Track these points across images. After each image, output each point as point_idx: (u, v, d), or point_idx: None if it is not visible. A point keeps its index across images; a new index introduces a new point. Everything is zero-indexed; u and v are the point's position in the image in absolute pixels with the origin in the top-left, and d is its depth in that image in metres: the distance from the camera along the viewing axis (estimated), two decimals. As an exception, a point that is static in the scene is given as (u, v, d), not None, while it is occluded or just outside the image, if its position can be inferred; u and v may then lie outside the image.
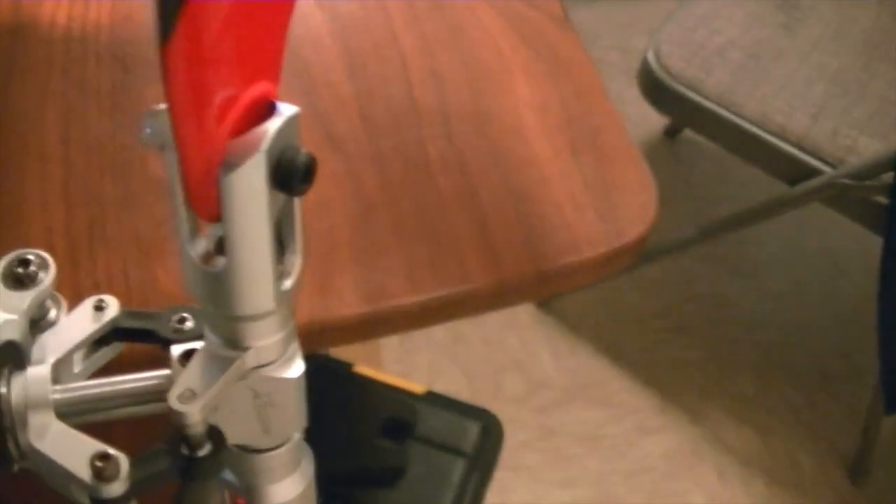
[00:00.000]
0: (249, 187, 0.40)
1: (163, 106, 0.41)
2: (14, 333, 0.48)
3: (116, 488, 0.46)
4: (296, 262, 0.46)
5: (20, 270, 0.50)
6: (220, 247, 0.44)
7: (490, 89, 0.98)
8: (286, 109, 0.40)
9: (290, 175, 0.40)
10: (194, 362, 0.48)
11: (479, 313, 0.89)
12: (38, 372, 0.49)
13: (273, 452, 0.52)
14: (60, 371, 0.50)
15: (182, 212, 0.43)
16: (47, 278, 0.50)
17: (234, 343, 0.47)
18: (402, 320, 0.84)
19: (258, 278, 0.44)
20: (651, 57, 1.79)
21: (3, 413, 0.47)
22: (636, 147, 0.97)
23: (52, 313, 0.52)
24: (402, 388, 1.37)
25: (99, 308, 0.53)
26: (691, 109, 1.76)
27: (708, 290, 2.16)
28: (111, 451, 0.46)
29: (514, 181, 0.90)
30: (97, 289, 0.79)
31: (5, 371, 0.48)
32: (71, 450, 0.47)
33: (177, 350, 0.50)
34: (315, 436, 0.55)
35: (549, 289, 0.88)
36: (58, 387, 0.49)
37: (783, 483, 1.90)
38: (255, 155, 0.39)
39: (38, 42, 0.99)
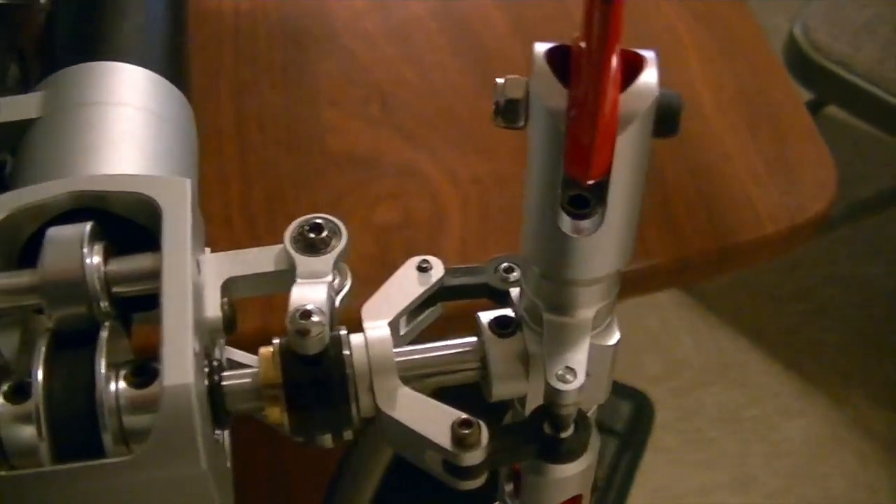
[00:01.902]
0: (641, 139, 0.38)
1: (511, 76, 0.40)
2: (327, 299, 0.47)
3: (476, 457, 0.44)
4: None
5: (312, 236, 0.49)
6: (575, 210, 0.41)
7: (663, 65, 0.96)
8: (648, 53, 0.39)
9: (672, 118, 0.38)
10: (555, 335, 0.45)
11: (660, 289, 0.88)
12: (379, 333, 0.47)
13: None
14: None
15: (555, 178, 0.40)
16: (340, 244, 0.49)
17: (563, 309, 0.45)
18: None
19: (626, 236, 0.42)
20: (798, 32, 1.75)
21: (347, 378, 0.45)
22: (813, 123, 0.95)
23: (337, 281, 0.50)
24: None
25: (423, 269, 0.51)
26: (839, 85, 1.72)
27: (849, 271, 2.11)
28: (471, 418, 0.45)
29: (692, 157, 0.89)
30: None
31: (342, 334, 0.46)
32: (427, 415, 0.45)
33: (486, 317, 0.48)
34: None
35: (731, 266, 0.87)
36: (398, 349, 0.47)
37: (927, 470, 1.86)
38: (649, 105, 0.38)
39: (207, 19, 1.00)
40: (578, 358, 0.44)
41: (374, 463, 1.11)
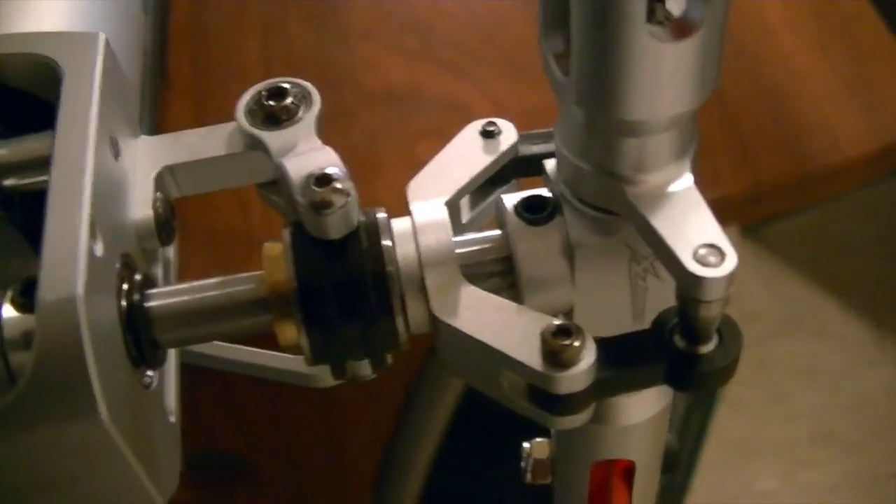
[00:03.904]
0: None
1: None
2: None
3: (578, 380, 0.32)
4: None
5: (272, 104, 0.38)
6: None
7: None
8: None
9: None
10: (656, 206, 0.33)
11: (730, 223, 0.81)
12: (433, 216, 0.36)
13: None
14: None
15: None
16: (313, 110, 0.38)
17: (648, 168, 0.33)
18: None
19: (718, 45, 0.30)
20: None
21: (387, 276, 0.34)
22: (892, 37, 0.87)
23: None
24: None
25: (489, 134, 0.39)
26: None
27: (927, 213, 2.02)
28: (569, 323, 0.32)
29: (761, 78, 0.81)
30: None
31: (379, 217, 0.35)
32: (505, 322, 0.33)
33: (510, 200, 0.36)
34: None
35: (809, 196, 0.80)
36: (459, 238, 0.36)
37: None
38: None
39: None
40: (713, 230, 0.32)
41: (432, 426, 1.05)
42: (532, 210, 0.36)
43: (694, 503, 1.52)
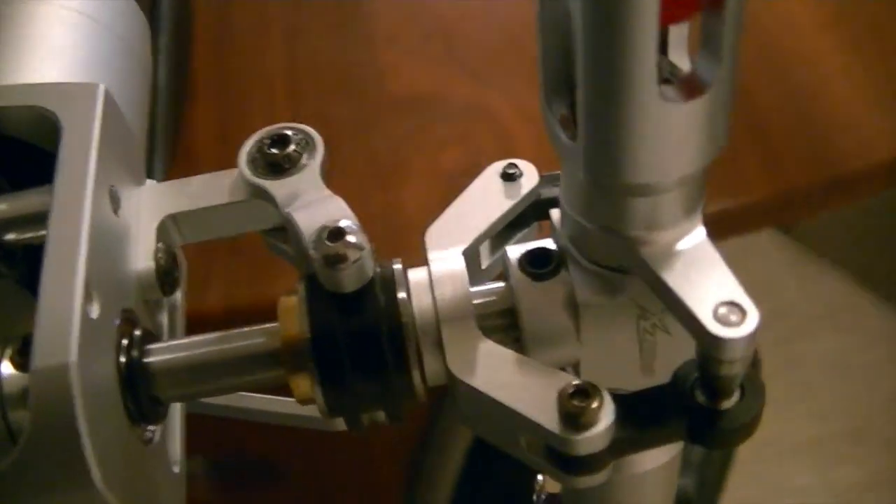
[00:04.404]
0: None
1: None
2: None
3: (596, 441, 0.31)
4: None
5: (275, 151, 0.37)
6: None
7: (754, -20, 0.87)
8: None
9: None
10: (667, 263, 0.31)
11: (759, 228, 0.80)
12: (450, 266, 0.35)
13: None
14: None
15: (646, 29, 0.26)
16: (317, 158, 0.37)
17: (659, 225, 0.32)
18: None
19: (728, 102, 0.29)
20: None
21: (403, 330, 0.33)
22: (925, 36, 0.86)
23: None
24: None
25: (510, 177, 0.38)
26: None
27: (962, 205, 1.99)
28: (588, 383, 0.32)
29: (790, 80, 0.80)
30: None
31: (395, 268, 0.35)
32: (521, 382, 0.32)
33: (514, 252, 0.35)
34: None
35: (839, 200, 0.78)
36: (477, 289, 0.35)
37: None
38: None
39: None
40: (732, 287, 0.31)
41: (462, 429, 1.05)
42: (536, 264, 0.35)
43: (729, 499, 1.51)
